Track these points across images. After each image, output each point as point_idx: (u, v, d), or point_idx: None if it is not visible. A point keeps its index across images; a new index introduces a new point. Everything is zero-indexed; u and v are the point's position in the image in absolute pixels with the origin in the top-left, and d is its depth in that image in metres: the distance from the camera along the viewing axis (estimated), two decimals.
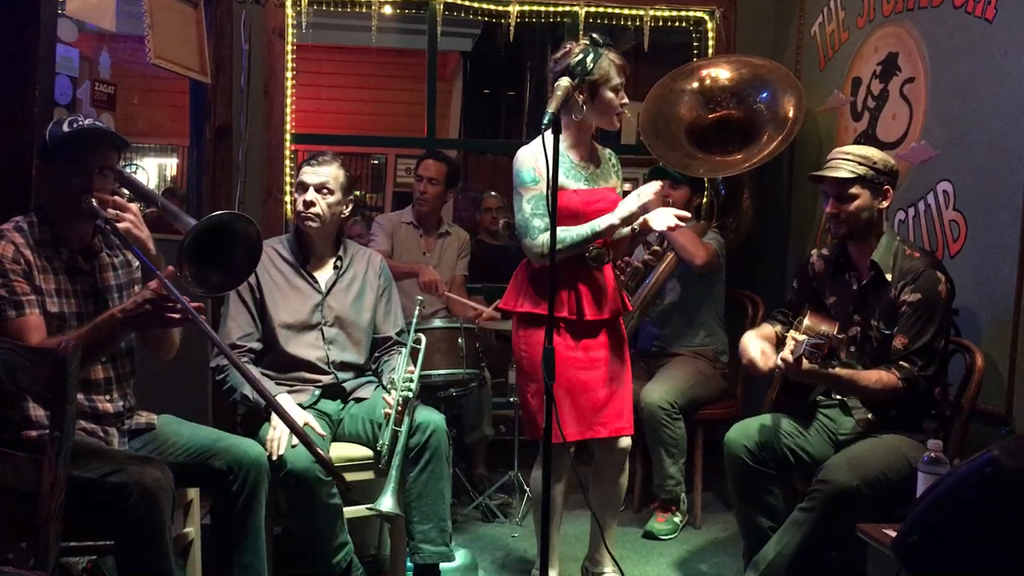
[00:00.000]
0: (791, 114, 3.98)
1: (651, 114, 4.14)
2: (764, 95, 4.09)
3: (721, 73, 4.17)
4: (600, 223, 2.78)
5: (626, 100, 2.86)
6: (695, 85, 4.18)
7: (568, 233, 2.78)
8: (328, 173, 3.04)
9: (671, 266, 3.95)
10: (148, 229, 2.46)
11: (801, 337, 2.65)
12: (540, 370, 2.43)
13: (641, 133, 4.15)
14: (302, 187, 3.05)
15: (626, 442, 3.01)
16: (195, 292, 2.35)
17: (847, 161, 2.78)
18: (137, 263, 2.57)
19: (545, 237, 2.70)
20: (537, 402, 2.85)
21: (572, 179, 2.85)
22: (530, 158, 2.80)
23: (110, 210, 2.38)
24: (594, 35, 2.82)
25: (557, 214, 2.41)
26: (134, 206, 2.46)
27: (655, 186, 2.79)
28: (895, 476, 2.60)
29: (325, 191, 3.03)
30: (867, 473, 2.58)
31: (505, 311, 3.01)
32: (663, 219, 2.79)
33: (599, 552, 3.13)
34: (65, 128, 2.37)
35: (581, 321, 2.88)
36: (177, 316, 2.22)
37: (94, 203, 2.34)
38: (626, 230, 2.90)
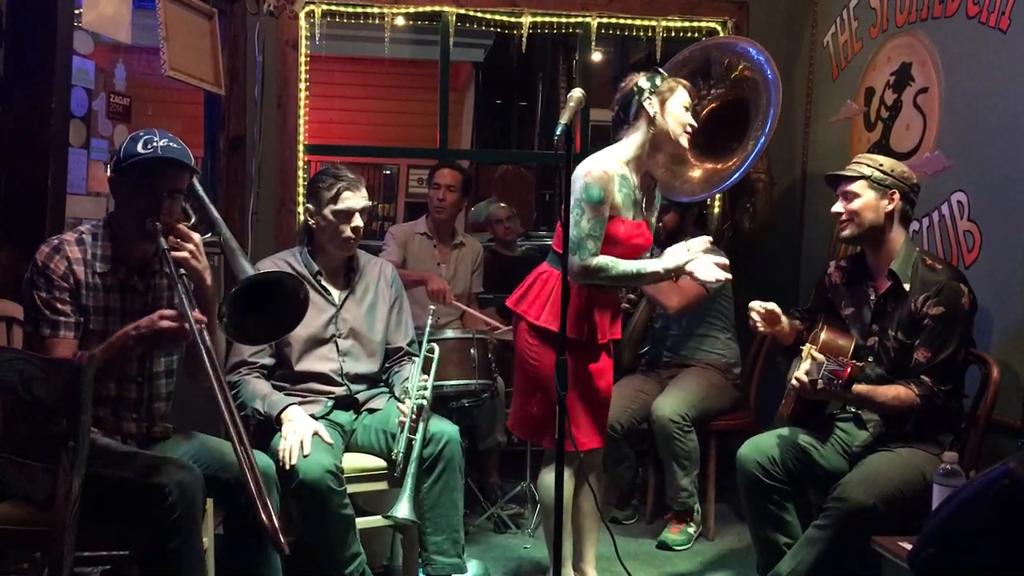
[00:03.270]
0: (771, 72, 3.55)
1: None
2: (740, 52, 3.67)
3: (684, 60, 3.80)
4: (647, 267, 2.76)
5: (694, 123, 2.85)
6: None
7: (617, 266, 2.74)
8: (366, 194, 3.05)
9: (647, 311, 3.97)
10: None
11: (819, 356, 2.64)
12: (549, 381, 2.46)
13: None
14: (348, 214, 2.99)
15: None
16: (227, 336, 2.35)
17: (859, 164, 2.86)
18: (191, 287, 2.45)
19: (596, 261, 2.71)
20: (541, 411, 2.84)
21: (625, 207, 2.81)
22: (602, 177, 2.74)
23: (172, 238, 2.36)
24: (658, 68, 2.89)
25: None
26: (196, 236, 2.43)
27: (704, 242, 2.77)
28: (911, 492, 2.59)
29: (366, 213, 3.04)
30: (883, 491, 2.57)
31: (517, 314, 2.93)
32: (707, 271, 2.72)
33: (583, 561, 3.09)
34: (140, 148, 2.32)
35: (592, 344, 2.87)
36: (187, 334, 2.22)
37: (158, 226, 2.32)
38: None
